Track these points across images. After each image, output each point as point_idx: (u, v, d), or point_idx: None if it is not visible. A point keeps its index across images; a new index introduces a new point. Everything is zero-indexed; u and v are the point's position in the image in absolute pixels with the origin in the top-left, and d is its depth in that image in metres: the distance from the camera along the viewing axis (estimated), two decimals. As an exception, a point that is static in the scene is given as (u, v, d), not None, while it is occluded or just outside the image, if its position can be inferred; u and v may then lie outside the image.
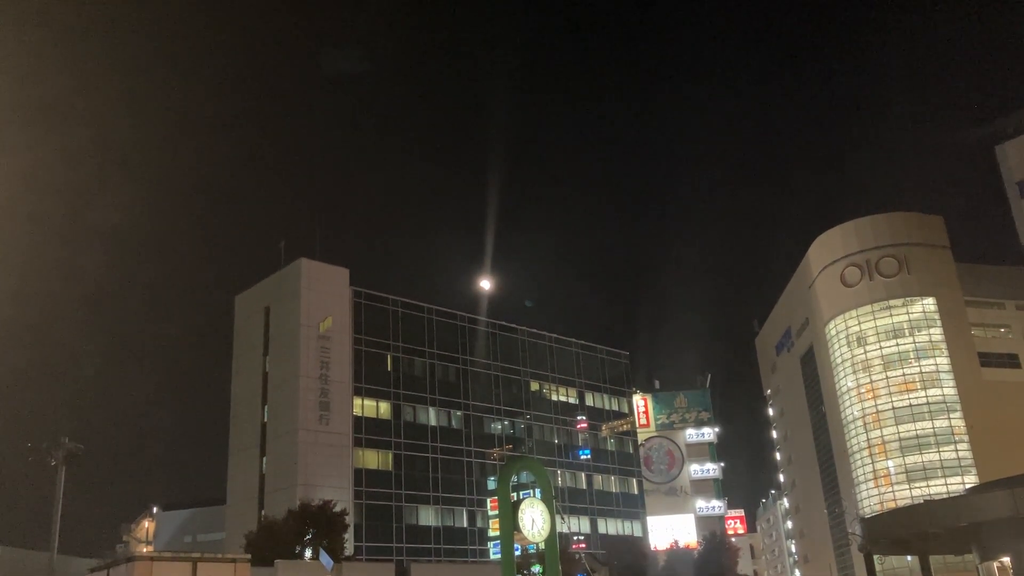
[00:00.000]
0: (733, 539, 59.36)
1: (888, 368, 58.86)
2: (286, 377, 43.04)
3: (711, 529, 62.42)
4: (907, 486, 55.96)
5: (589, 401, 56.79)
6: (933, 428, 56.51)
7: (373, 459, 44.05)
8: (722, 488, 71.45)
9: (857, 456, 59.44)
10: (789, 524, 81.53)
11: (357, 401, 44.19)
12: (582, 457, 54.04)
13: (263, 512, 40.26)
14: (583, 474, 54.03)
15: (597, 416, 56.50)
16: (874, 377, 59.26)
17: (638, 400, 69.63)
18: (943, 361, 57.90)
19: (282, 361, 43.71)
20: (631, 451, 58.51)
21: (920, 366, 58.23)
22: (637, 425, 64.59)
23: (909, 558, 46.10)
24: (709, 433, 72.62)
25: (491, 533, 44.11)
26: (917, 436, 56.75)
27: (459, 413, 48.63)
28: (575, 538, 48.76)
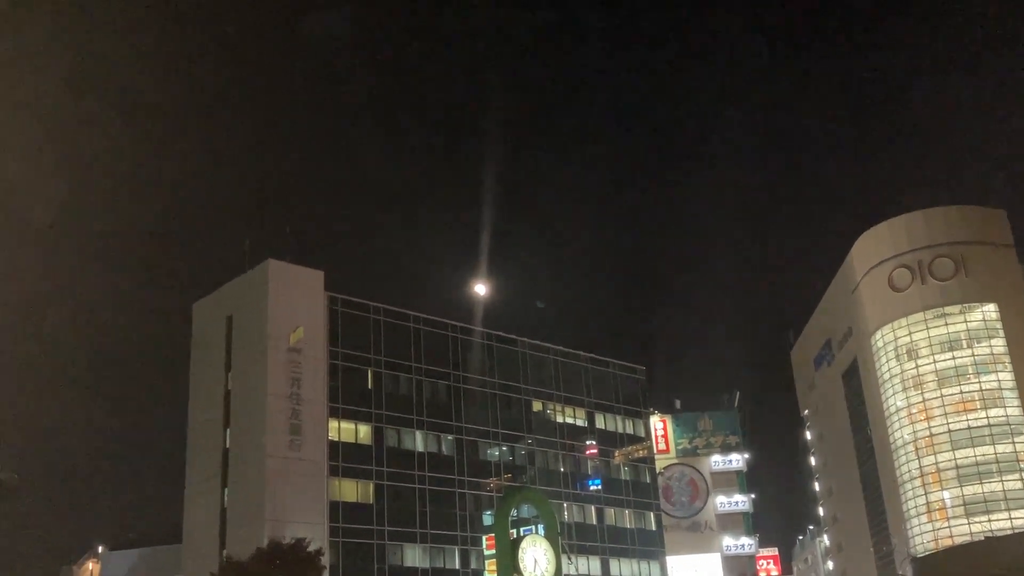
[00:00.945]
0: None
1: (943, 385, 58.96)
2: (251, 396, 43.10)
3: (740, 571, 62.33)
4: (965, 520, 55.99)
5: (600, 423, 56.87)
6: (995, 454, 56.54)
7: (352, 490, 44.02)
8: (753, 523, 71.44)
9: (908, 486, 59.41)
10: (830, 565, 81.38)
11: (333, 424, 44.23)
12: (592, 488, 54.14)
13: (225, 552, 40.21)
14: (593, 507, 54.12)
15: (609, 440, 56.61)
16: (927, 395, 59.30)
17: (656, 422, 69.73)
18: (1006, 377, 58.01)
19: (247, 378, 43.80)
20: (648, 481, 58.61)
21: (980, 383, 58.30)
22: (655, 451, 64.62)
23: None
24: (738, 460, 72.69)
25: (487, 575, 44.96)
26: (977, 463, 56.80)
27: (450, 437, 48.73)
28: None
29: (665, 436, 71.83)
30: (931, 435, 58.60)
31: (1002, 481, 56.02)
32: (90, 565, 57.88)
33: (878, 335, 62.79)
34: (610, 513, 55.02)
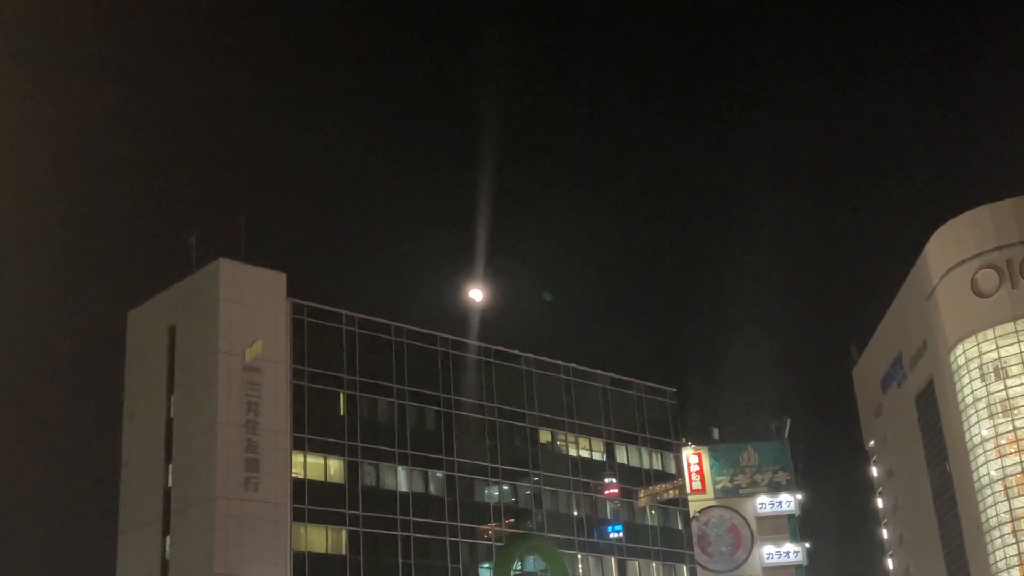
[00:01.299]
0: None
1: (1039, 411, 56.79)
2: (199, 425, 42.52)
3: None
4: (1068, 577, 53.68)
5: (621, 457, 56.28)
6: (1103, 495, 54.55)
7: (320, 538, 43.55)
8: (808, 578, 70.67)
9: (995, 533, 57.17)
10: (901, 627, 79.04)
11: (298, 458, 43.76)
12: (612, 535, 53.60)
13: (166, 612, 39.97)
14: (613, 559, 53.44)
15: (633, 478, 56.09)
16: (1018, 423, 57.25)
17: (690, 455, 68.65)
18: (1116, 401, 55.87)
19: (193, 402, 43.26)
20: (680, 527, 57.99)
21: (1084, 408, 56.21)
22: (688, 490, 63.71)
23: None
24: (789, 502, 71.10)
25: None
26: (1081, 507, 54.77)
27: (440, 474, 48.17)
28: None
29: (700, 473, 70.50)
30: (1023, 472, 56.40)
31: (1112, 528, 53.58)
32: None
33: (958, 350, 60.50)
34: (634, 566, 54.27)
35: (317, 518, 43.33)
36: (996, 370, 58.64)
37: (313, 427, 44.37)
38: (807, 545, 70.78)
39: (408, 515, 46.17)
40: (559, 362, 55.36)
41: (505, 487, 50.36)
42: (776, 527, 70.15)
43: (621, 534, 53.65)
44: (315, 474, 44.04)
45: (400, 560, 45.07)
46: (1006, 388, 58.07)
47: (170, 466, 43.25)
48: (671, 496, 56.43)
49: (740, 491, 70.75)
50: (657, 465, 57.87)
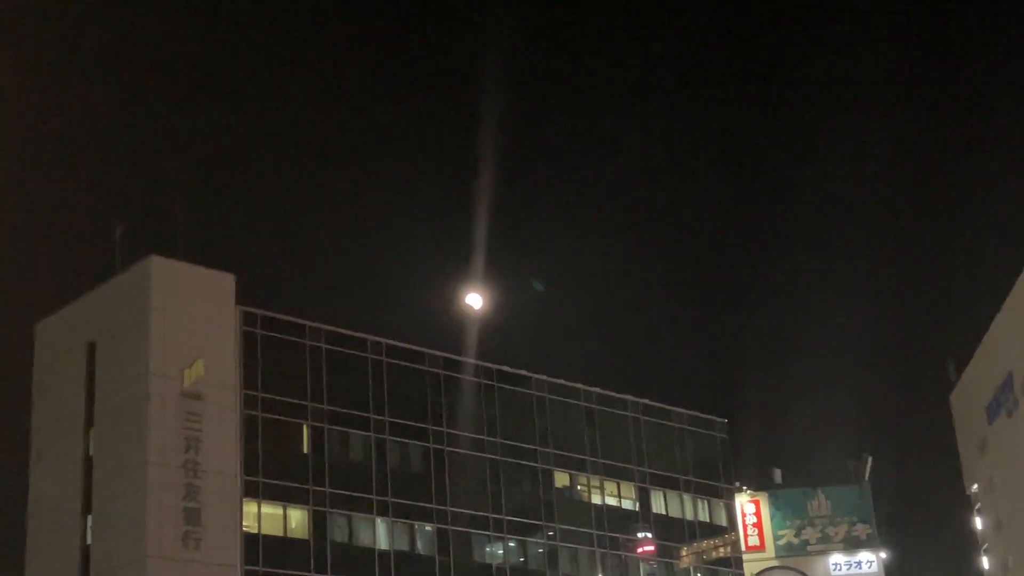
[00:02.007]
0: None
1: None
2: (124, 465, 42.88)
3: None
4: None
5: (658, 506, 56.86)
6: None
7: None
8: (896, 661, 71.56)
9: None
10: None
11: (250, 507, 44.20)
12: None
13: None
14: None
15: (673, 532, 56.52)
16: None
17: (745, 503, 69.24)
18: None
19: (117, 438, 43.68)
20: None
21: None
22: (743, 547, 64.32)
23: None
24: (871, 562, 71.72)
25: None
26: None
27: (429, 528, 48.81)
28: None
29: (759, 525, 70.71)
30: None
31: None
32: None
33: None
34: (675, 645, 55.67)
35: (275, 583, 44.19)
36: None
37: (269, 469, 44.70)
38: (893, 617, 71.83)
39: (389, 577, 46.80)
40: (579, 386, 55.76)
41: (511, 544, 50.84)
42: (854, 594, 71.20)
43: (658, 604, 54.53)
44: (272, 528, 44.43)
45: (379, 636, 45.96)
46: None
47: (89, 518, 43.59)
48: (721, 555, 56.38)
49: (808, 548, 70.98)
50: (704, 515, 58.36)
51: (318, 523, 45.63)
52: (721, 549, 56.20)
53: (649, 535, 54.60)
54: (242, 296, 46.05)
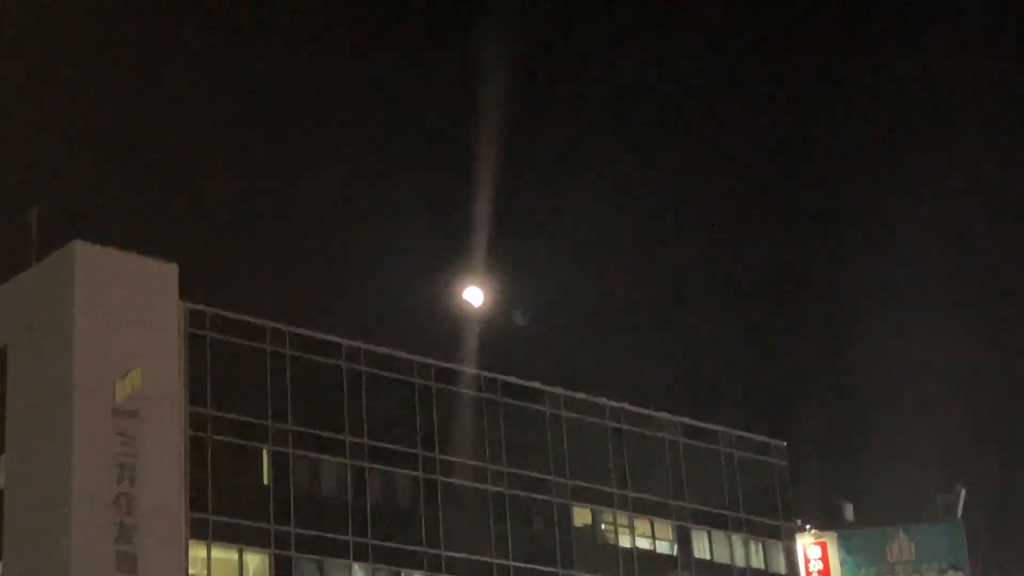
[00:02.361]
0: None
1: None
2: (43, 500, 42.44)
3: None
4: None
5: (701, 549, 56.91)
6: None
7: None
8: None
9: None
10: None
11: (198, 551, 44.02)
12: None
13: None
14: None
15: None
16: None
17: (809, 546, 69.05)
18: None
19: (33, 465, 43.28)
20: None
21: None
22: (806, 599, 64.71)
23: None
24: (963, 616, 71.65)
25: None
26: None
27: (418, 575, 48.40)
28: None
29: (826, 572, 70.36)
30: None
31: None
32: None
33: None
34: None
35: (228, 643, 44.28)
36: None
37: (222, 504, 44.42)
38: None
39: (369, 638, 47.58)
40: (603, 401, 55.70)
41: (520, 594, 51.38)
42: (943, 656, 70.79)
43: (702, 668, 54.89)
44: (224, 574, 44.49)
45: None
46: None
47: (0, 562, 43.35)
48: (779, 609, 57.30)
49: (888, 599, 71.77)
50: (757, 560, 58.38)
51: (281, 570, 45.46)
52: (779, 602, 57.05)
53: (690, 584, 55.57)
54: (188, 291, 45.85)
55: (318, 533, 46.36)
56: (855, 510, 73.07)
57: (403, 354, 50.39)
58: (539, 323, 75.59)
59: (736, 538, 58.14)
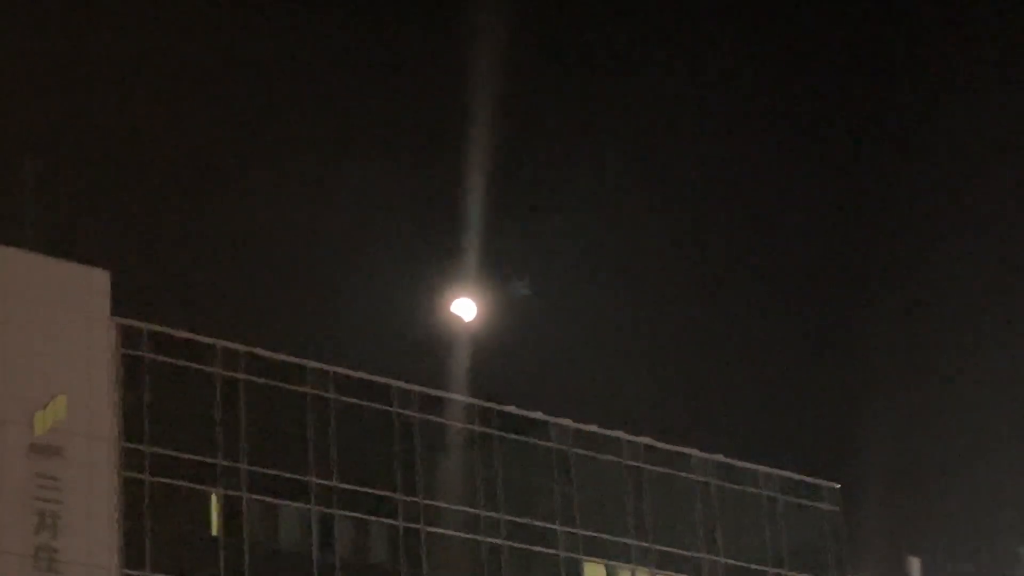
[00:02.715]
0: None
1: None
2: None
3: None
4: None
5: None
6: None
7: None
8: None
9: None
10: None
11: None
12: None
13: None
14: None
15: None
16: None
17: None
18: None
19: None
20: None
21: None
22: (865, 673, 64.88)
23: None
24: None
25: None
26: None
27: None
28: None
29: (891, 641, 70.86)
30: None
31: None
32: None
33: None
34: None
35: None
36: None
37: (161, 558, 44.49)
38: None
39: None
40: (619, 435, 55.79)
41: (522, 668, 50.79)
42: None
43: None
44: None
45: None
46: None
47: None
48: None
49: (960, 675, 71.74)
50: None
51: (234, 639, 46.35)
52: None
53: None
54: (122, 304, 46.18)
55: (279, 593, 47.00)
56: (922, 565, 72.11)
57: (380, 379, 50.49)
58: (543, 341, 75.52)
59: (781, 601, 58.94)
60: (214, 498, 46.16)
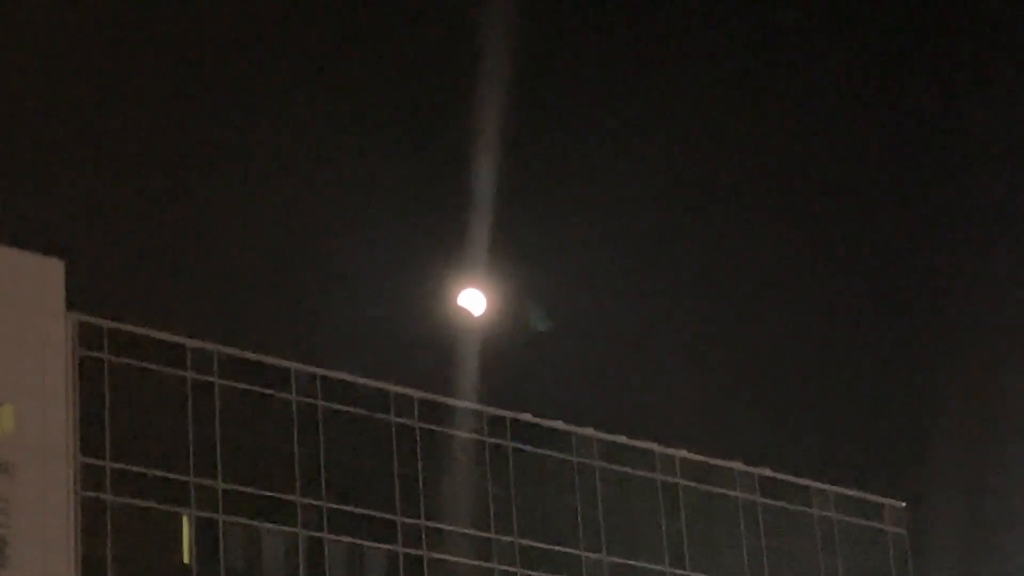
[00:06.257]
0: None
1: None
2: None
3: None
4: None
5: None
6: None
7: None
8: None
9: None
10: None
11: None
12: None
13: None
14: None
15: None
16: None
17: None
18: None
19: None
20: None
21: None
22: None
23: None
24: None
25: None
26: None
27: None
28: None
29: None
30: None
31: None
32: None
33: None
34: None
35: None
36: None
37: None
38: None
39: None
40: (651, 447, 56.08)
41: None
42: None
43: None
44: None
45: None
46: None
47: None
48: None
49: None
50: None
51: None
52: None
53: None
54: (80, 299, 46.39)
55: (259, 631, 47.30)
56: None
57: (376, 383, 50.75)
58: (563, 339, 75.38)
59: (840, 633, 59.22)
60: (186, 521, 46.34)
